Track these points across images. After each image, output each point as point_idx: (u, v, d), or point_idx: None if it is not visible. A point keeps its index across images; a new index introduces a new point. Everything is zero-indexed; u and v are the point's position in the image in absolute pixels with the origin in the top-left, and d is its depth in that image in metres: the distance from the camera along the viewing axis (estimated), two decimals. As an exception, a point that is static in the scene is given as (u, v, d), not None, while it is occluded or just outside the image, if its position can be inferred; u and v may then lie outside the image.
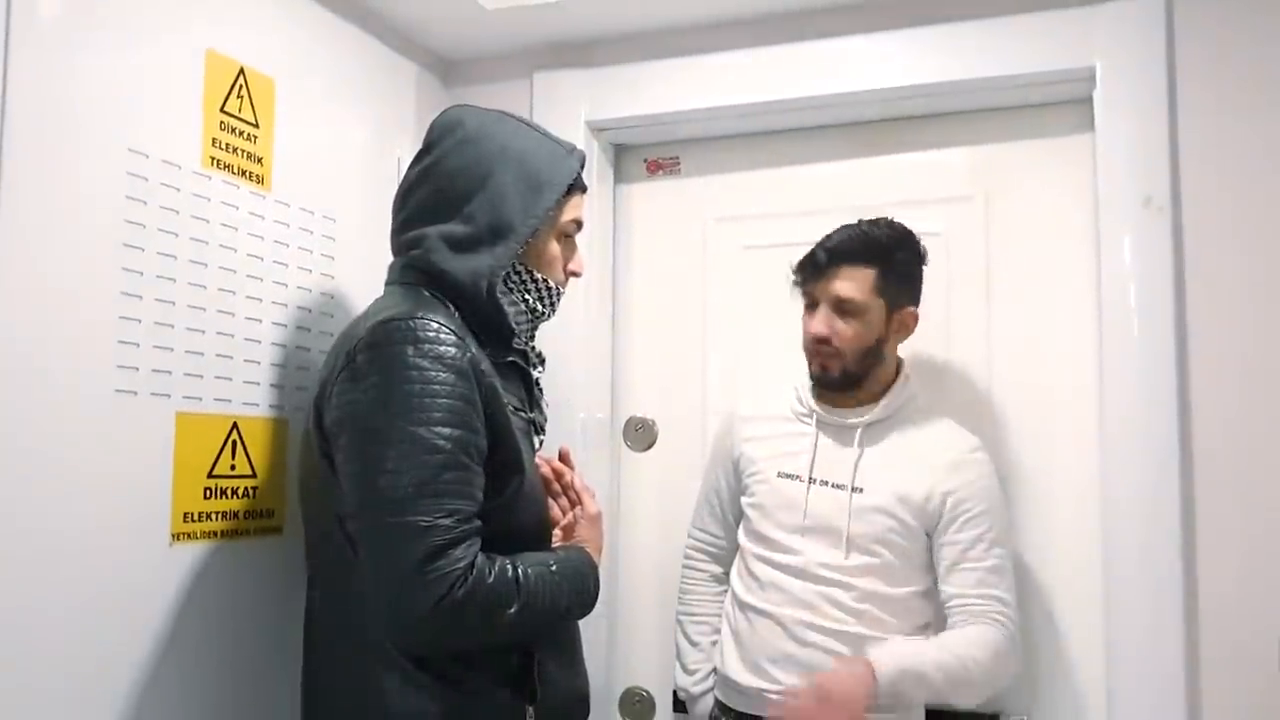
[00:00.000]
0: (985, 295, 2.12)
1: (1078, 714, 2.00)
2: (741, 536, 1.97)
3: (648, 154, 2.40)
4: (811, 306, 1.89)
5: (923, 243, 1.91)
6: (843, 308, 1.84)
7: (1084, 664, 1.99)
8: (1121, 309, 1.92)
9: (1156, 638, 1.84)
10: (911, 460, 1.84)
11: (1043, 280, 2.09)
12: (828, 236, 1.89)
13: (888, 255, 1.86)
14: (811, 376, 1.92)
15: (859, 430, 1.88)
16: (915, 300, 1.91)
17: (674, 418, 2.32)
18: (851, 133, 2.24)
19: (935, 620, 1.87)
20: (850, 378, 1.88)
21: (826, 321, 1.86)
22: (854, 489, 1.84)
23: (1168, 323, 1.88)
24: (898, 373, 1.93)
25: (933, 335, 2.12)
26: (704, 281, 2.33)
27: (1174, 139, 1.92)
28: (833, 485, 1.86)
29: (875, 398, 1.90)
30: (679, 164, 2.38)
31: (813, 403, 1.93)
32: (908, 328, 1.91)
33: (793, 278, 1.92)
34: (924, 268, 1.92)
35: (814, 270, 1.88)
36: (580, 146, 1.66)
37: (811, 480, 1.88)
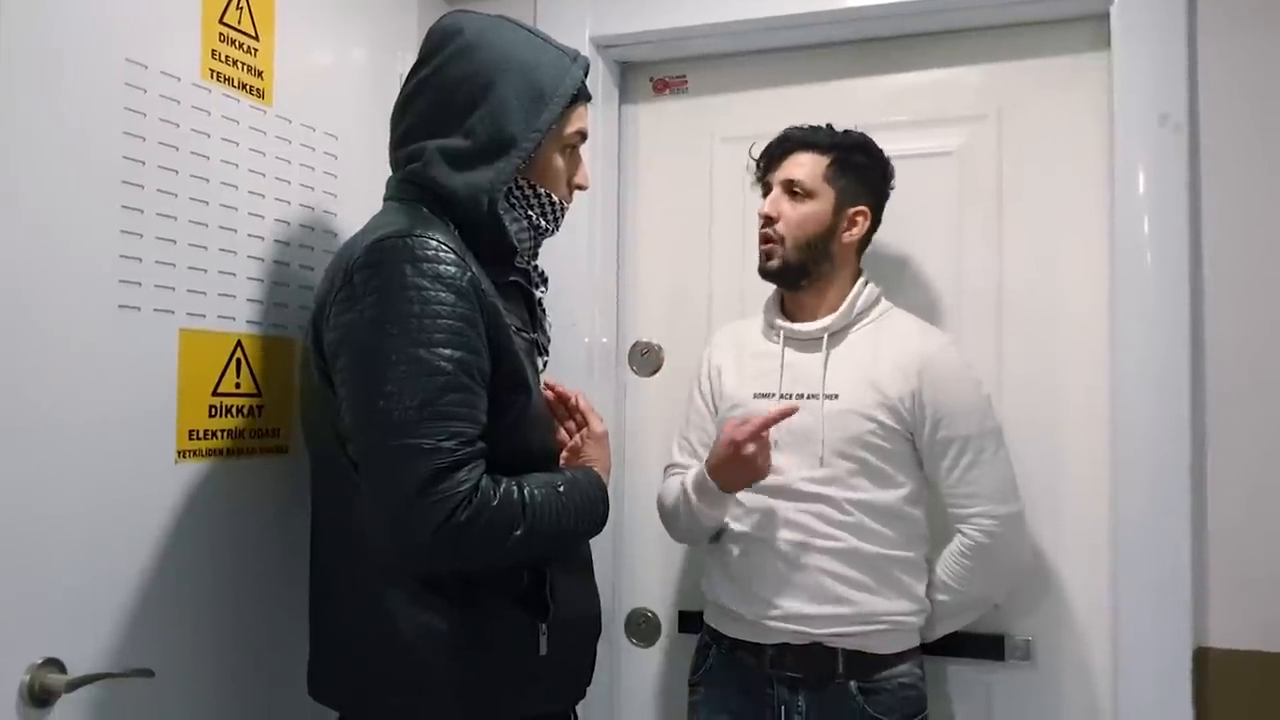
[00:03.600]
0: (997, 215, 2.09)
1: (1082, 636, 2.01)
2: None
3: (654, 73, 2.36)
4: (767, 193, 1.94)
5: (891, 164, 1.94)
6: (792, 189, 1.89)
7: (1089, 586, 2.00)
8: (1135, 232, 1.90)
9: (1163, 560, 1.85)
10: (880, 362, 1.85)
11: (1056, 200, 2.06)
12: (788, 128, 1.95)
13: (843, 149, 1.90)
14: (759, 270, 1.93)
15: (824, 338, 1.88)
16: (870, 205, 1.91)
17: (679, 342, 2.31)
18: (863, 50, 2.20)
19: (930, 533, 1.89)
20: (792, 270, 1.89)
21: (774, 202, 1.90)
22: (826, 396, 1.85)
23: (1182, 245, 1.87)
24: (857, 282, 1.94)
25: (944, 254, 2.11)
26: (711, 204, 2.30)
27: (1193, 56, 1.89)
28: (806, 396, 1.87)
29: (837, 306, 1.90)
30: (686, 83, 2.34)
31: (777, 318, 1.94)
32: (858, 226, 1.90)
33: (754, 171, 1.99)
34: (889, 185, 1.95)
35: (770, 157, 1.94)
36: (589, 62, 1.61)
37: (784, 395, 1.88)
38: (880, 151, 1.93)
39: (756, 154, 1.98)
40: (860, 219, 1.90)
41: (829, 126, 1.93)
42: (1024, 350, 2.06)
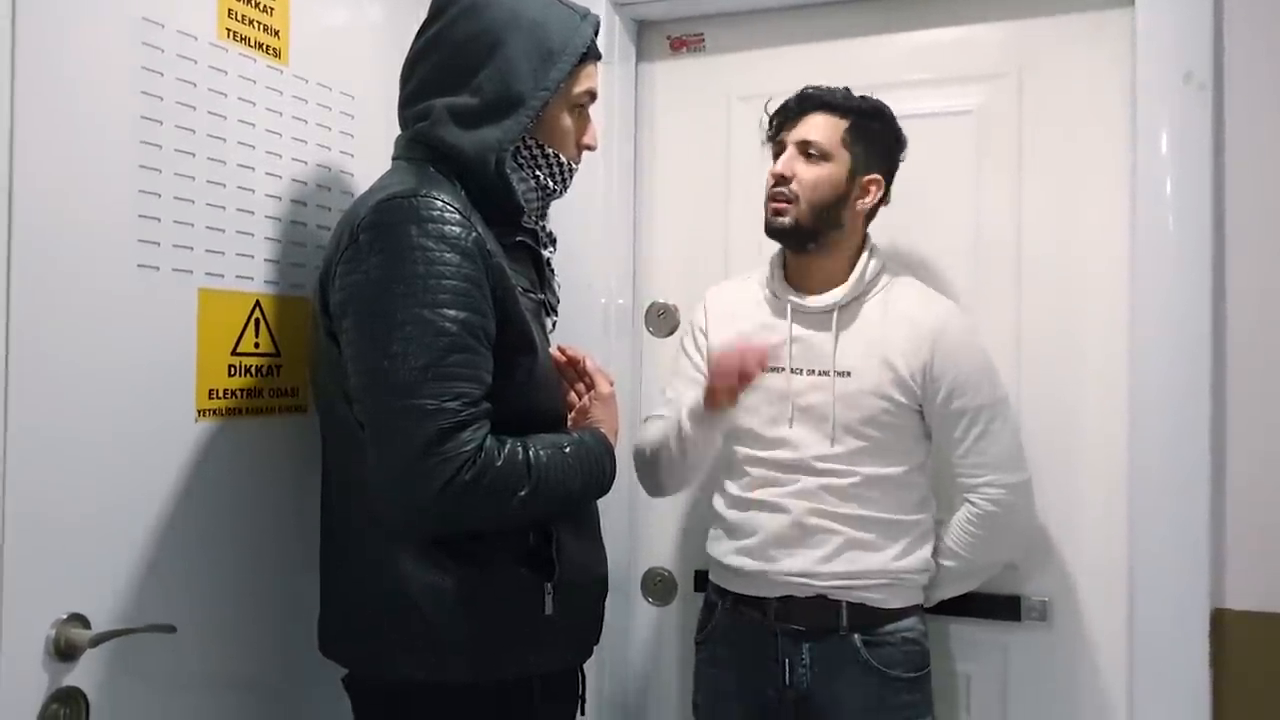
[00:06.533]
0: (1017, 175, 2.07)
1: (1099, 597, 2.01)
2: (729, 439, 1.94)
3: (671, 31, 2.34)
4: (779, 152, 1.89)
5: (904, 132, 1.90)
6: (808, 150, 1.85)
7: (1106, 547, 1.99)
8: (1158, 192, 1.88)
9: (1181, 521, 1.84)
10: (891, 337, 1.83)
11: (1077, 160, 2.03)
12: (805, 87, 1.90)
13: (861, 114, 1.86)
14: (766, 229, 1.89)
15: (834, 313, 1.86)
16: (883, 174, 1.88)
17: (696, 302, 2.29)
18: (882, 7, 2.17)
19: (931, 495, 1.90)
20: (801, 233, 1.85)
21: (789, 162, 1.86)
22: (838, 373, 1.83)
23: (1205, 206, 1.85)
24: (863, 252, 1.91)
25: (963, 214, 2.09)
26: (728, 163, 2.29)
27: (1218, 13, 1.86)
28: (816, 373, 1.85)
29: (843, 277, 1.88)
30: (703, 41, 2.32)
31: (789, 294, 1.91)
32: (870, 195, 1.87)
33: (766, 128, 1.93)
34: (901, 156, 1.91)
35: (786, 115, 1.89)
36: (600, 20, 1.59)
37: (794, 370, 1.87)
38: (895, 121, 1.89)
39: (772, 110, 1.94)
40: (873, 188, 1.87)
41: (846, 89, 1.89)
42: (1043, 312, 2.05)
